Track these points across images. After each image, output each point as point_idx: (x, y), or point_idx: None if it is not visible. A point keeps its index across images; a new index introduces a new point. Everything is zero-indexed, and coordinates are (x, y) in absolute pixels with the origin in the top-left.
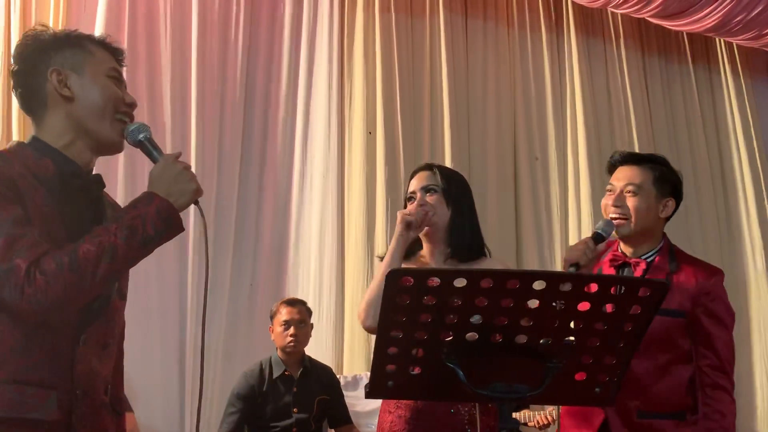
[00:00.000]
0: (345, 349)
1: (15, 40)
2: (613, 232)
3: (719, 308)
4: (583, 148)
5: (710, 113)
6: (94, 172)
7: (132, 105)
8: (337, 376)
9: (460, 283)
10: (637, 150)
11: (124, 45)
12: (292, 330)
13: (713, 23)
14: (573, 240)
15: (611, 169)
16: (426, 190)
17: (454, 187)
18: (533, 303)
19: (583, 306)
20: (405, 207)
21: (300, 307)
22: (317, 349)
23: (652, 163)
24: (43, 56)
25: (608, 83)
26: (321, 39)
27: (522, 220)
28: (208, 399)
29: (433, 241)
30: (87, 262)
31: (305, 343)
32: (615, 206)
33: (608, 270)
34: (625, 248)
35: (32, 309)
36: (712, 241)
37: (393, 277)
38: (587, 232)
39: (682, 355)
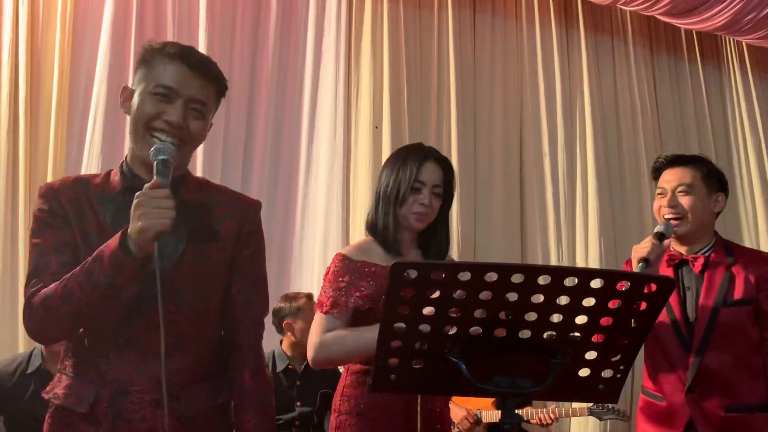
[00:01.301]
0: None
1: (23, 53)
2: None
3: None
4: (591, 145)
5: (719, 112)
6: None
7: (171, 123)
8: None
9: (464, 276)
10: (644, 149)
11: (131, 45)
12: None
13: (723, 22)
14: (579, 238)
15: (657, 173)
16: (434, 187)
17: (450, 194)
18: (537, 298)
19: (589, 301)
20: (403, 190)
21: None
22: None
23: (697, 162)
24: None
25: (617, 80)
26: (328, 32)
27: (527, 217)
28: None
29: (407, 240)
30: (53, 302)
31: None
32: (670, 207)
33: (666, 270)
34: (679, 247)
35: (30, 335)
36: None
37: (398, 270)
38: (594, 230)
39: (754, 345)
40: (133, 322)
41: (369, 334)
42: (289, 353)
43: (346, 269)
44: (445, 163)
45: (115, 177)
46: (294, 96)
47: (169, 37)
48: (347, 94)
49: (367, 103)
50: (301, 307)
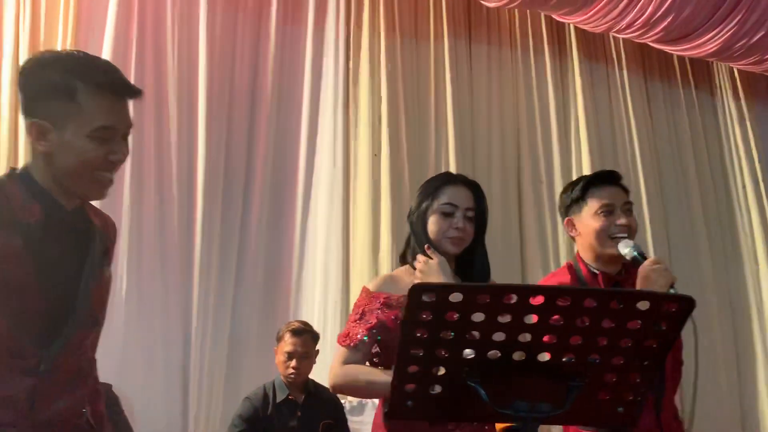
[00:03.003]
0: None
1: (24, 59)
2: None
3: None
4: (588, 172)
5: (713, 137)
6: None
7: (116, 163)
8: (342, 401)
9: (483, 299)
10: (642, 174)
11: (131, 70)
12: (294, 363)
13: (715, 48)
14: None
15: (585, 191)
16: (467, 210)
17: (484, 219)
18: (557, 320)
19: (608, 323)
20: (426, 212)
21: (305, 337)
22: (322, 372)
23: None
24: (30, 102)
25: (611, 107)
26: (327, 62)
27: (527, 245)
28: (211, 424)
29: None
30: None
31: (307, 374)
32: (624, 225)
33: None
34: (606, 268)
35: None
36: (719, 261)
37: (416, 293)
38: None
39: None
40: None
41: (381, 378)
42: (287, 383)
43: (364, 302)
44: (475, 188)
45: (30, 202)
46: (293, 124)
47: (170, 65)
48: (346, 122)
49: (366, 132)
50: (280, 337)
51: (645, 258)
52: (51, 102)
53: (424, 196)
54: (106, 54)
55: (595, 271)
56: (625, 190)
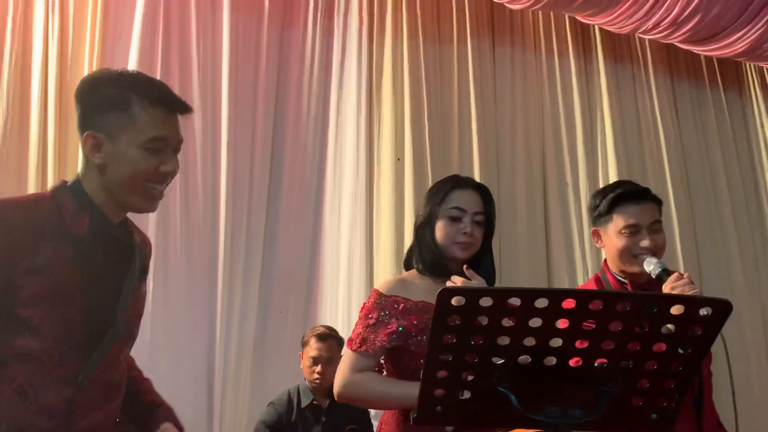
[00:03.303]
0: None
1: (53, 73)
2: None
3: None
4: (614, 174)
5: (742, 138)
6: None
7: (167, 174)
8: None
9: (513, 302)
10: (669, 177)
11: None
12: (319, 368)
13: (744, 48)
14: None
15: (612, 206)
16: (475, 215)
17: (493, 223)
18: (588, 324)
19: (641, 327)
20: (434, 217)
21: (330, 342)
22: None
23: (654, 196)
24: (86, 116)
25: (638, 109)
26: (350, 66)
27: (552, 249)
28: (236, 430)
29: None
30: None
31: (332, 379)
32: (649, 247)
33: None
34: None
35: None
36: (749, 265)
37: (445, 296)
38: None
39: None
40: None
41: (396, 391)
42: (312, 388)
43: (377, 306)
44: (484, 192)
45: (79, 214)
46: (317, 130)
47: (194, 80)
48: (369, 128)
49: (389, 136)
50: (306, 342)
51: (670, 274)
52: (106, 114)
53: (432, 201)
54: (132, 65)
55: (623, 280)
56: (657, 206)
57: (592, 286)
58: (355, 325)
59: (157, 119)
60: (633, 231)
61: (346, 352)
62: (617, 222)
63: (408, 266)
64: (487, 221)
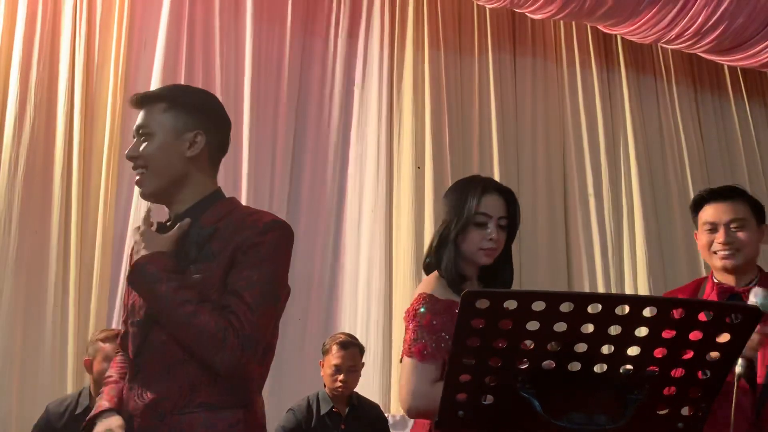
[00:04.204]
0: (392, 387)
1: (79, 79)
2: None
3: None
4: (636, 185)
5: (766, 150)
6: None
7: (129, 158)
8: (385, 414)
9: (538, 306)
10: (691, 187)
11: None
12: (342, 376)
13: None
14: (628, 279)
15: (698, 207)
16: (500, 219)
17: (515, 225)
18: (614, 329)
19: (668, 333)
20: (461, 223)
21: (352, 350)
22: (364, 386)
23: (743, 194)
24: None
25: (660, 120)
26: (371, 75)
27: (573, 259)
28: None
29: (471, 275)
30: None
31: (354, 387)
32: (726, 243)
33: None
34: (726, 279)
35: None
36: None
37: (468, 299)
38: (643, 270)
39: None
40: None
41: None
42: (331, 396)
43: (435, 311)
44: (508, 194)
45: None
46: (338, 137)
47: (217, 84)
48: (389, 135)
49: (409, 144)
50: (327, 349)
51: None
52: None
53: (456, 206)
54: (156, 71)
55: (715, 280)
56: (741, 205)
57: (690, 285)
58: (412, 332)
59: None
60: (711, 229)
61: (411, 363)
62: (699, 222)
63: (430, 268)
64: (510, 224)
